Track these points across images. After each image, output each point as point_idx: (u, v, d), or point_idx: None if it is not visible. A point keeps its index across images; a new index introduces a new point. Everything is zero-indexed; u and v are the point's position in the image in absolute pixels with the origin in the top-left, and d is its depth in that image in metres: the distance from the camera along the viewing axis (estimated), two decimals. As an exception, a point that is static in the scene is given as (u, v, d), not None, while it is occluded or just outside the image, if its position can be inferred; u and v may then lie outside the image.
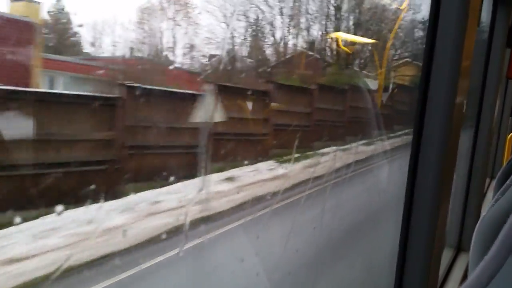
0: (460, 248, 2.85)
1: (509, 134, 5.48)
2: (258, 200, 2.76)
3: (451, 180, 1.54)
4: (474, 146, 2.78)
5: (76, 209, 1.62)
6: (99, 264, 1.75)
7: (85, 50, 2.14)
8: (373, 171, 4.05)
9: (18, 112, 1.51)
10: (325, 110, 4.91)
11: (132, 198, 2.10)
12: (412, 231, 1.43)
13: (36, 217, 1.62)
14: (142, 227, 2.20)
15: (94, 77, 2.07)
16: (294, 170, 3.19)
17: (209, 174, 2.25)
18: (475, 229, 0.77)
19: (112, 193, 1.94)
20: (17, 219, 1.42)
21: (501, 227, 0.46)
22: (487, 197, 3.49)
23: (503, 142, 5.34)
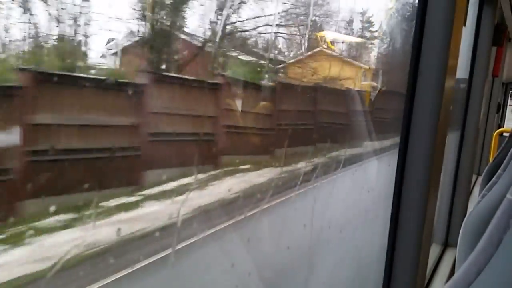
0: (447, 243, 2.88)
1: (495, 131, 5.56)
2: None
3: (438, 177, 1.56)
4: (461, 143, 2.82)
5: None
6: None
7: None
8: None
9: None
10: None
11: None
12: (401, 228, 1.45)
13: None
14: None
15: None
16: None
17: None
18: (462, 225, 0.79)
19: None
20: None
21: (487, 223, 0.47)
22: (473, 194, 3.54)
23: (489, 139, 5.41)
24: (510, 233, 0.43)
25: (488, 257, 0.44)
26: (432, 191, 1.47)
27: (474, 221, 0.78)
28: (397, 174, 1.45)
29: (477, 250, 0.45)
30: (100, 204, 1.09)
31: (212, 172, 1.66)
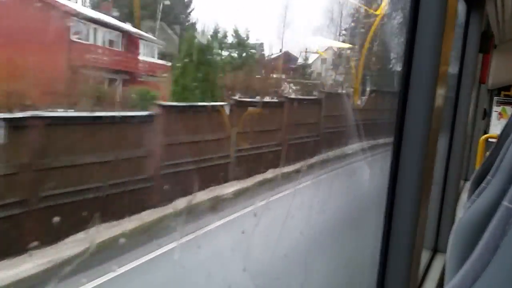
0: (437, 249, 2.90)
1: (482, 136, 5.64)
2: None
3: (430, 182, 1.57)
4: (449, 149, 2.85)
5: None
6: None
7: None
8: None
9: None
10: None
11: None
12: (394, 233, 1.45)
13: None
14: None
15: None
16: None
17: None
18: (452, 231, 0.79)
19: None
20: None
21: (479, 229, 0.47)
22: (461, 199, 3.57)
23: (476, 144, 5.48)
24: (507, 240, 0.43)
25: (485, 264, 0.43)
26: (424, 196, 1.47)
27: (464, 227, 0.78)
28: (390, 178, 1.45)
29: (473, 257, 0.45)
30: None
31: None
